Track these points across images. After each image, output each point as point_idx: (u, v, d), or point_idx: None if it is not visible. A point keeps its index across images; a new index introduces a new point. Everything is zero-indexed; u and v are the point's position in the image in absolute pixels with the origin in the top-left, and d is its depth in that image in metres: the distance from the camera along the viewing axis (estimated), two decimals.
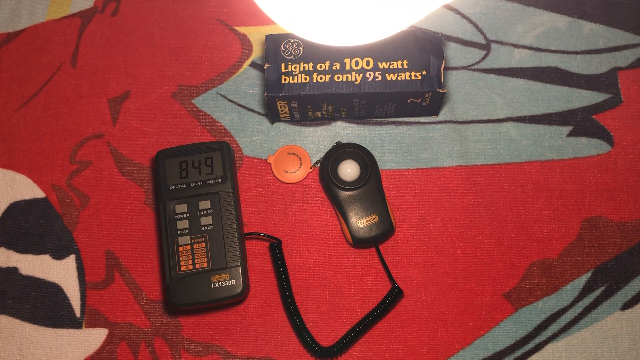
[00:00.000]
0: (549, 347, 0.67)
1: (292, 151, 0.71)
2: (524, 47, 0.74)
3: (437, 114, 0.72)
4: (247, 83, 0.74)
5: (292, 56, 0.67)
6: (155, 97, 0.74)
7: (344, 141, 0.71)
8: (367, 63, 0.66)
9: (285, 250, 0.69)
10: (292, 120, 0.72)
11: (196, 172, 0.66)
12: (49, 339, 0.68)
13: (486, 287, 0.68)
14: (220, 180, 0.65)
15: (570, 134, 0.72)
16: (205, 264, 0.63)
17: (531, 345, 0.67)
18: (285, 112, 0.70)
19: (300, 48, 0.67)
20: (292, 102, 0.67)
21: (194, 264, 0.63)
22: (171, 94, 0.74)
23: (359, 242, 0.67)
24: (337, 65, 0.66)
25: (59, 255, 0.70)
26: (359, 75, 0.66)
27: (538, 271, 0.68)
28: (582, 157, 0.71)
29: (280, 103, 0.67)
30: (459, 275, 0.68)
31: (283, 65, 0.66)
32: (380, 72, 0.66)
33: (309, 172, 0.71)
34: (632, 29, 0.74)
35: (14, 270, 0.69)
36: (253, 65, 0.74)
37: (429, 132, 0.72)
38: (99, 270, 0.69)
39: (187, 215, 0.64)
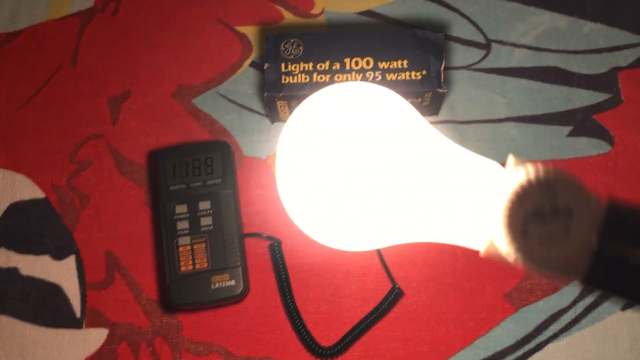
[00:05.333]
0: (550, 347, 0.67)
1: None
2: (524, 46, 0.74)
3: (437, 113, 0.72)
4: (247, 83, 0.74)
5: (292, 56, 0.67)
6: (155, 97, 0.74)
7: None
8: (367, 63, 0.66)
9: (285, 250, 0.69)
10: None
11: (196, 172, 0.66)
12: (49, 339, 0.68)
13: (487, 287, 0.68)
14: (220, 180, 0.65)
15: (570, 134, 0.72)
16: (205, 265, 0.63)
17: (532, 344, 0.67)
18: (285, 112, 0.70)
19: (300, 48, 0.67)
20: (292, 102, 0.67)
21: (194, 264, 0.63)
22: (171, 94, 0.74)
23: None
24: (337, 65, 0.66)
25: (59, 255, 0.70)
26: (359, 75, 0.66)
27: None
28: (582, 157, 0.71)
29: (280, 103, 0.67)
30: (459, 275, 0.68)
31: (283, 65, 0.66)
32: (380, 72, 0.66)
33: None
34: (632, 29, 0.74)
35: (14, 270, 0.69)
36: (253, 65, 0.74)
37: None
38: (99, 270, 0.69)
39: (187, 215, 0.64)
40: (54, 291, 0.69)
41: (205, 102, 0.73)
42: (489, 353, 0.67)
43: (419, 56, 0.66)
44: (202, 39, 0.75)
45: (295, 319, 0.66)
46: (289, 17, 0.76)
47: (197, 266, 0.63)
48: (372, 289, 0.68)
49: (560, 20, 0.75)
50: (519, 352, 0.67)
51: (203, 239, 0.64)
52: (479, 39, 0.74)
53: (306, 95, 0.66)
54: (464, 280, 0.68)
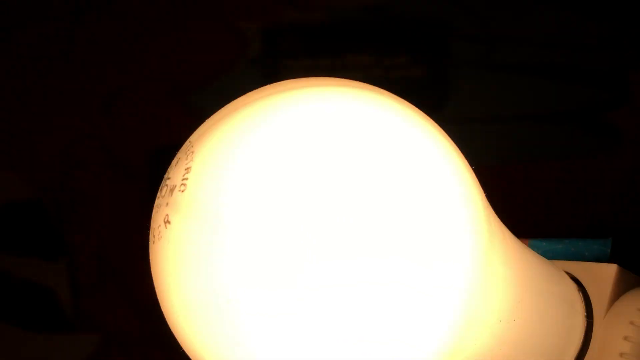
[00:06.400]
0: None
1: None
2: (530, 42, 0.73)
3: (440, 111, 0.71)
4: (245, 80, 0.73)
5: (292, 52, 0.66)
6: (151, 94, 0.73)
7: None
8: (369, 59, 0.66)
9: None
10: None
11: None
12: (39, 344, 0.67)
13: None
14: None
15: (577, 133, 0.71)
16: None
17: None
18: None
19: (299, 43, 0.66)
20: None
21: None
22: (167, 92, 0.73)
23: None
24: (338, 62, 0.66)
25: (50, 257, 0.69)
26: (360, 72, 0.65)
27: None
28: (588, 157, 0.70)
29: None
30: None
31: (282, 61, 0.66)
32: (382, 69, 0.65)
33: None
34: None
35: (5, 273, 0.69)
36: (252, 61, 0.74)
37: None
38: (92, 273, 0.68)
39: None
40: (45, 295, 0.68)
41: (203, 100, 0.73)
42: None
43: (422, 53, 0.65)
44: (199, 35, 0.74)
45: None
46: (288, 12, 0.75)
47: None
48: None
49: (568, 17, 0.74)
50: None
51: None
52: (484, 34, 0.74)
53: None
54: None
